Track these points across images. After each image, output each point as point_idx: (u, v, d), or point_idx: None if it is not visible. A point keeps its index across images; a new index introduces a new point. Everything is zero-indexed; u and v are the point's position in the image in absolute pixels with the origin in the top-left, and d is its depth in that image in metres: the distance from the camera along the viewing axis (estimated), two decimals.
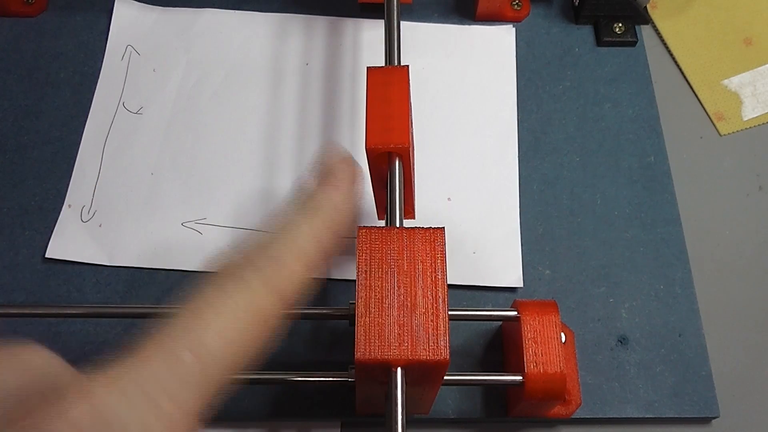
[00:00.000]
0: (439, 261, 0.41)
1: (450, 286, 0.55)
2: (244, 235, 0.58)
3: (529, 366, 0.46)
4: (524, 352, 0.47)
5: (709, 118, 0.64)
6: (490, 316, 0.51)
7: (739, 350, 0.55)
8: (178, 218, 0.58)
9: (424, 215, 0.58)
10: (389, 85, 0.45)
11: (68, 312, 0.50)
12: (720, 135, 0.64)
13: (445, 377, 0.50)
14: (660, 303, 0.56)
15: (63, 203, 0.59)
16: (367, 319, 0.39)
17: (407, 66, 0.46)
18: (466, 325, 0.55)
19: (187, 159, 0.61)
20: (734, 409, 0.53)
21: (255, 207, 0.59)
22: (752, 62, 0.66)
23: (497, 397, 0.52)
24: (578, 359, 0.53)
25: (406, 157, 0.44)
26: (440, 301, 0.40)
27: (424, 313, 0.39)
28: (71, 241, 0.57)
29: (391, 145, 0.44)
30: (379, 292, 0.40)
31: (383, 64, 0.51)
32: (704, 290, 0.57)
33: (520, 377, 0.47)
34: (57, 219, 0.58)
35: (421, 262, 0.40)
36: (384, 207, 0.47)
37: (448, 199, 0.59)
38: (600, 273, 0.57)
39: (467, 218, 0.58)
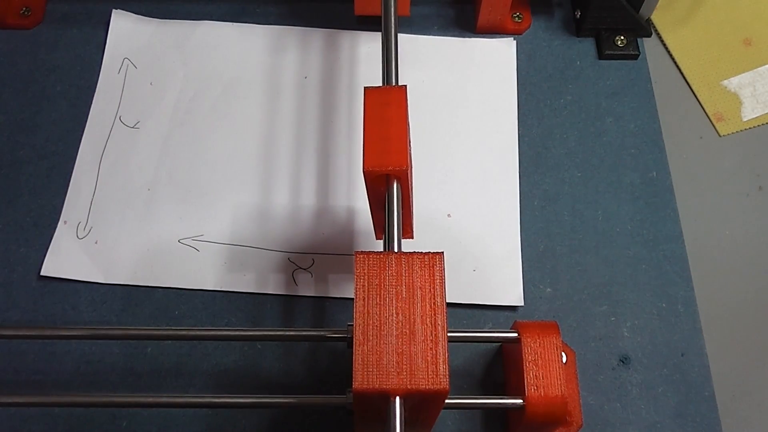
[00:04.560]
0: (437, 286, 0.40)
1: (450, 304, 0.55)
2: (241, 252, 0.57)
3: (530, 389, 0.46)
4: (525, 374, 0.46)
5: (709, 118, 0.64)
6: (490, 337, 0.50)
7: (740, 355, 0.55)
8: (174, 235, 0.58)
9: (424, 232, 0.57)
10: (387, 106, 0.45)
11: (64, 333, 0.49)
12: (720, 135, 0.63)
13: (446, 400, 0.50)
14: (662, 322, 0.55)
15: (59, 219, 0.58)
16: (365, 347, 0.38)
17: (405, 86, 0.46)
18: (466, 345, 0.54)
19: (185, 174, 0.60)
20: (738, 430, 0.53)
21: (253, 223, 0.58)
22: (752, 63, 0.66)
23: (498, 419, 0.52)
24: (579, 379, 0.53)
25: (405, 180, 0.44)
26: (439, 328, 0.39)
27: (423, 340, 0.39)
28: (67, 258, 0.57)
29: (390, 168, 0.43)
30: (377, 319, 0.39)
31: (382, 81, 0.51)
32: (703, 290, 0.56)
33: (521, 401, 0.46)
34: (52, 236, 0.58)
35: (420, 288, 0.40)
36: (382, 227, 0.46)
37: (448, 215, 0.58)
38: (601, 291, 0.56)
39: (467, 235, 0.58)
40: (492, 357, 0.54)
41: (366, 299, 0.39)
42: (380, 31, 0.53)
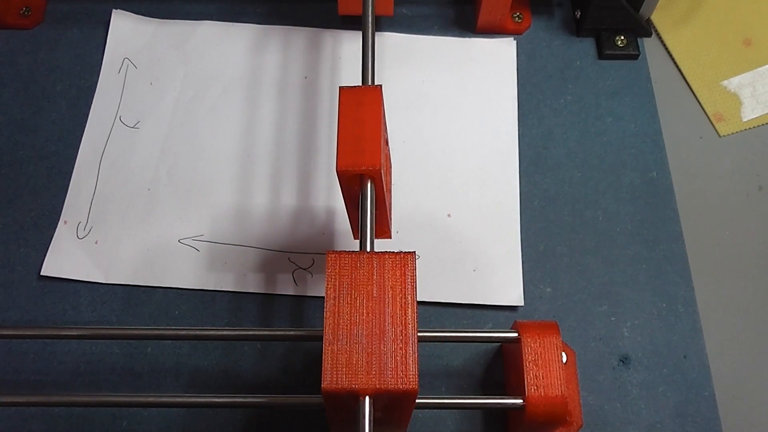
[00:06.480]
0: (409, 286, 0.40)
1: (449, 304, 0.56)
2: (241, 252, 0.57)
3: (530, 389, 0.46)
4: (525, 374, 0.46)
5: (709, 118, 0.64)
6: (490, 337, 0.50)
7: (740, 355, 0.55)
8: (175, 235, 0.58)
9: (424, 232, 0.57)
10: (362, 106, 0.45)
11: (64, 333, 0.49)
12: (719, 136, 0.63)
13: (445, 400, 0.50)
14: (662, 322, 0.55)
15: (59, 219, 0.58)
16: (335, 347, 0.38)
17: (380, 86, 0.46)
18: (466, 345, 0.54)
19: (185, 174, 0.60)
20: (738, 430, 0.53)
21: (252, 223, 0.58)
22: (752, 63, 0.66)
23: (498, 419, 0.52)
24: (579, 379, 0.53)
25: (378, 179, 0.44)
26: (410, 328, 0.39)
27: (393, 340, 0.38)
28: (67, 258, 0.57)
29: (363, 168, 0.43)
30: (347, 319, 0.39)
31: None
32: (703, 290, 0.56)
33: (521, 401, 0.46)
34: (52, 236, 0.58)
35: (391, 287, 0.40)
36: (358, 227, 0.46)
37: (448, 215, 0.58)
38: (601, 291, 0.56)
39: (467, 235, 0.58)
40: (492, 357, 0.54)
41: (337, 299, 0.39)
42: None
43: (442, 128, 0.62)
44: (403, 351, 0.38)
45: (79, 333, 0.49)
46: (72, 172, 0.60)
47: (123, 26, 0.66)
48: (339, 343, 0.38)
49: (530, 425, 0.47)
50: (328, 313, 0.39)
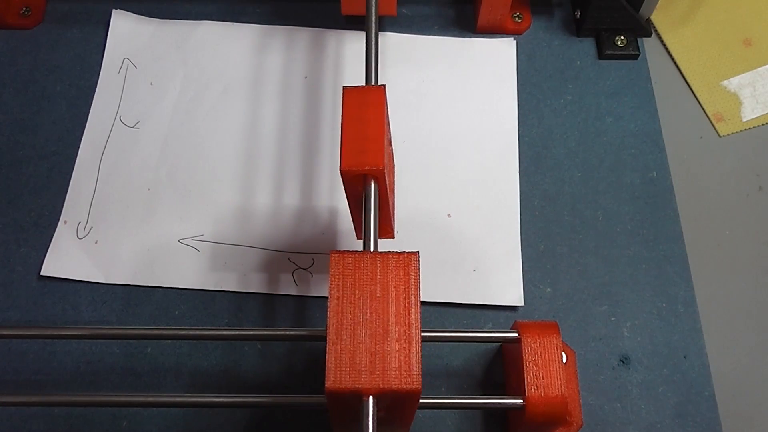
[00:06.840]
0: (412, 286, 0.40)
1: (450, 304, 0.56)
2: (242, 252, 0.57)
3: (530, 389, 0.46)
4: (525, 374, 0.46)
5: (709, 118, 0.64)
6: (490, 337, 0.50)
7: (740, 355, 0.55)
8: (175, 235, 0.58)
9: (424, 232, 0.57)
10: (365, 106, 0.45)
11: (64, 333, 0.49)
12: (720, 135, 0.63)
13: (445, 400, 0.50)
14: (662, 322, 0.55)
15: (59, 219, 0.58)
16: (339, 346, 0.38)
17: (383, 86, 0.46)
18: (466, 345, 0.54)
19: (185, 174, 0.60)
20: (738, 430, 0.53)
21: (252, 223, 0.58)
22: (752, 63, 0.66)
23: (498, 419, 0.52)
24: (579, 379, 0.53)
25: (382, 179, 0.44)
26: (413, 328, 0.39)
27: (397, 340, 0.38)
28: (67, 258, 0.57)
29: (366, 168, 0.43)
30: (351, 319, 0.39)
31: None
32: (703, 290, 0.56)
33: (521, 401, 0.46)
34: (52, 236, 0.58)
35: (394, 287, 0.40)
36: (361, 227, 0.46)
37: (448, 215, 0.58)
38: (601, 291, 0.56)
39: (467, 235, 0.58)
40: (492, 357, 0.54)
41: (340, 298, 0.39)
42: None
43: (442, 128, 0.62)
44: (407, 351, 0.38)
45: (79, 333, 0.49)
46: (72, 172, 0.60)
47: (123, 26, 0.66)
48: (342, 343, 0.38)
49: (530, 425, 0.47)
50: (332, 313, 0.39)
